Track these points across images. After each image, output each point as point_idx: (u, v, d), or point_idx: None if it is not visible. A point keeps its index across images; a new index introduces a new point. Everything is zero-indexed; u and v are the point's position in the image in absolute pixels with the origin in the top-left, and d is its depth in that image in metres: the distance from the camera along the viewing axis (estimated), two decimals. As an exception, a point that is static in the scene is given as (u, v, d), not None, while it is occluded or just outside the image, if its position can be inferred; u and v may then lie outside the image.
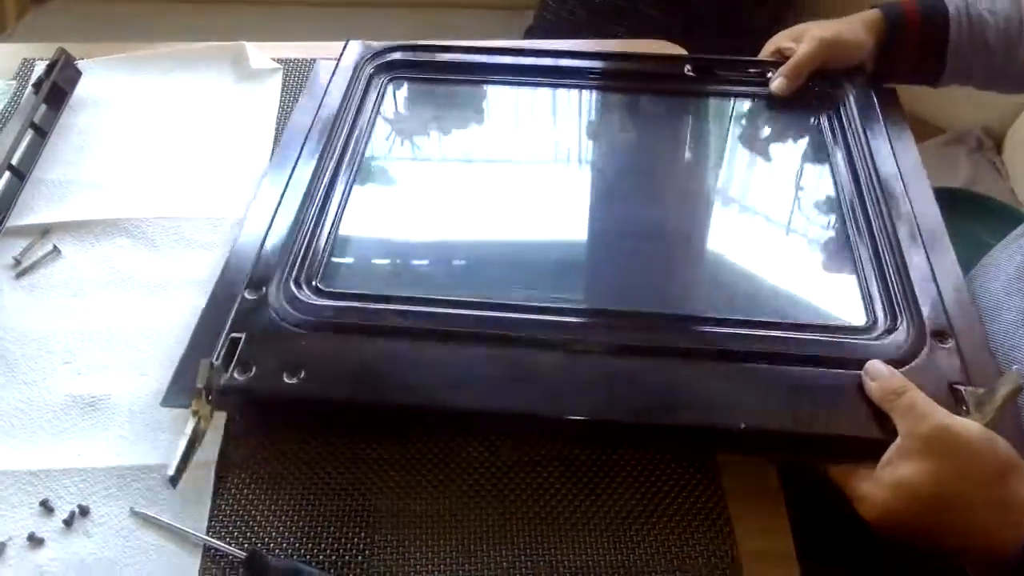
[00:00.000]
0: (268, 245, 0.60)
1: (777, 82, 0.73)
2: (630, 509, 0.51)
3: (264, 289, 0.56)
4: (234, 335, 0.53)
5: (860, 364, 0.51)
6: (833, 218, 0.65)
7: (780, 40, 0.76)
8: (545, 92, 0.77)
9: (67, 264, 0.63)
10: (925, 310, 0.55)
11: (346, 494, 0.51)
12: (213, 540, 0.48)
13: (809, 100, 0.74)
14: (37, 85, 0.74)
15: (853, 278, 0.59)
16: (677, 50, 0.83)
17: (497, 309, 0.55)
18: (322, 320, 0.54)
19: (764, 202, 0.70)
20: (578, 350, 0.53)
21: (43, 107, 0.73)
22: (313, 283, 0.57)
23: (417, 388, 0.51)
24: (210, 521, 0.49)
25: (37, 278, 0.62)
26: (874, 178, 0.65)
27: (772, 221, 0.68)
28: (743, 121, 0.76)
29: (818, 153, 0.71)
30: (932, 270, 0.58)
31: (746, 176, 0.73)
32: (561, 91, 0.77)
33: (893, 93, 0.74)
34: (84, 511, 0.50)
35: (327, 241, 0.61)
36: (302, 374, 0.51)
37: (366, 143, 0.70)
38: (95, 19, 1.37)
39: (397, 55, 0.78)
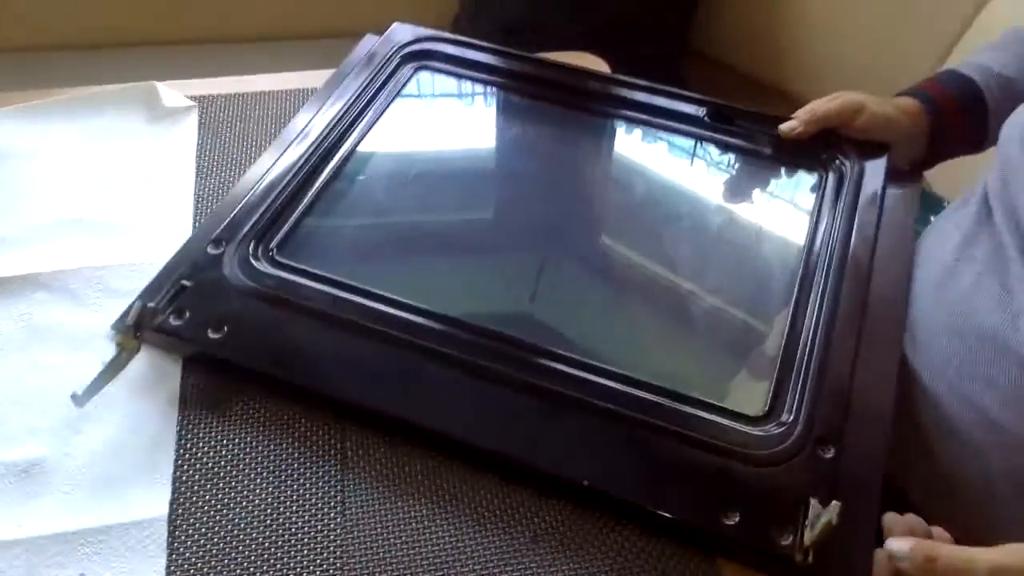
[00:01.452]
0: (246, 203, 0.62)
1: (787, 124, 0.70)
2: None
3: (224, 246, 0.59)
4: (184, 282, 0.57)
5: (731, 452, 0.50)
6: (779, 294, 0.63)
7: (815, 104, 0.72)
8: (559, 111, 0.77)
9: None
10: (821, 412, 0.53)
11: (314, 543, 0.49)
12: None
13: (812, 164, 0.71)
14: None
15: (774, 363, 0.56)
16: (599, 63, 0.85)
17: (422, 315, 0.56)
18: (261, 287, 0.57)
19: (717, 261, 0.68)
20: (469, 370, 0.54)
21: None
22: (270, 250, 0.60)
23: (317, 372, 0.54)
24: (167, 576, 0.47)
25: (-49, 343, 0.58)
26: (843, 262, 0.62)
27: (716, 283, 0.66)
28: (734, 173, 0.74)
29: (797, 221, 0.68)
30: (853, 371, 0.55)
31: (711, 230, 0.71)
32: (572, 112, 0.77)
33: (911, 176, 0.71)
34: (30, 584, 0.46)
35: (299, 212, 0.63)
36: (224, 331, 0.55)
37: (372, 125, 0.71)
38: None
39: (437, 45, 0.79)
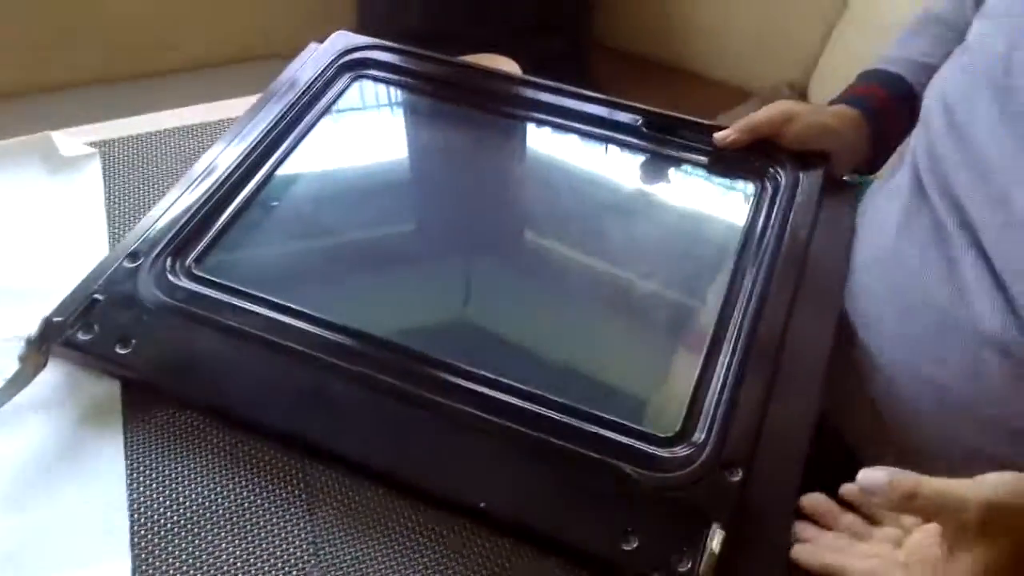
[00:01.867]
0: (167, 216, 0.62)
1: (722, 133, 0.70)
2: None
3: (141, 259, 0.59)
4: (96, 296, 0.57)
5: (635, 475, 0.49)
6: (705, 310, 0.62)
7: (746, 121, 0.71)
8: (497, 121, 0.76)
9: None
10: (734, 433, 0.52)
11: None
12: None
13: (747, 173, 0.70)
14: None
15: (691, 382, 0.55)
16: (510, 64, 0.85)
17: (332, 329, 0.56)
18: (174, 301, 0.57)
19: (644, 267, 0.67)
20: (370, 386, 0.53)
21: None
22: (187, 264, 0.60)
23: (219, 388, 0.54)
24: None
25: None
26: (771, 273, 0.61)
27: (642, 290, 0.65)
28: (669, 182, 0.73)
29: (728, 228, 0.67)
30: (768, 395, 0.54)
31: (640, 236, 0.70)
32: (513, 123, 0.77)
33: (844, 186, 0.71)
34: None
35: (221, 226, 0.63)
36: (131, 346, 0.54)
37: (303, 135, 0.71)
38: None
39: (376, 53, 0.78)
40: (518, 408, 0.52)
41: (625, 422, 0.52)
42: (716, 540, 0.46)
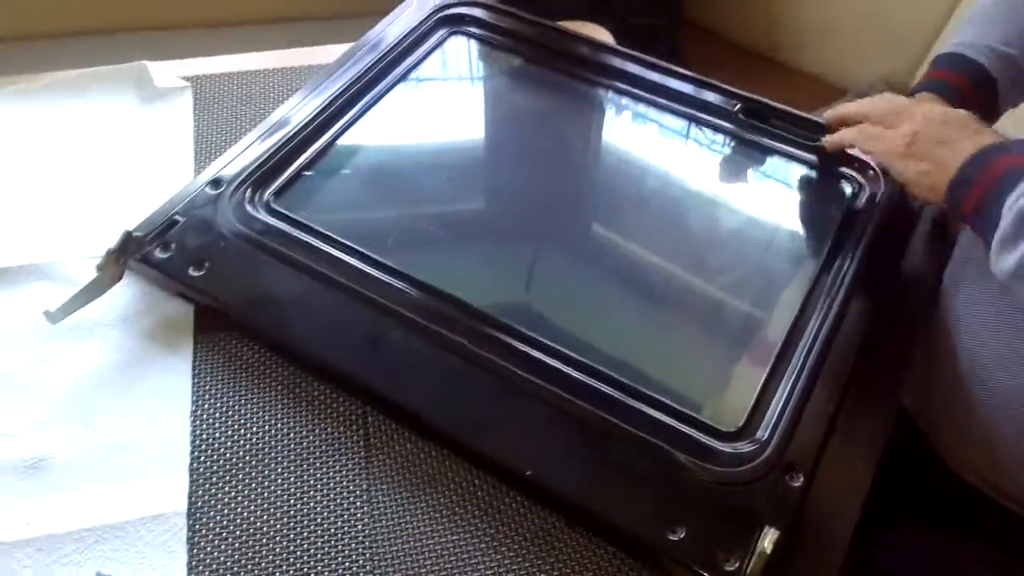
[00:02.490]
0: (252, 151, 0.63)
1: (834, 138, 0.66)
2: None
3: (222, 187, 0.60)
4: (176, 216, 0.59)
5: (690, 465, 0.48)
6: (785, 303, 0.59)
7: (842, 108, 0.69)
8: (587, 89, 0.75)
9: (-18, 318, 0.57)
10: (800, 435, 0.50)
11: (341, 533, 0.48)
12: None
13: (846, 175, 0.67)
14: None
15: (760, 380, 0.53)
16: (602, 32, 0.83)
17: (399, 278, 0.56)
18: (249, 230, 0.58)
19: (727, 262, 0.65)
20: (432, 340, 0.53)
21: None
22: (266, 196, 0.61)
23: (283, 322, 0.54)
24: (190, 572, 0.46)
25: (-51, 336, 0.56)
26: (857, 282, 0.58)
27: (723, 284, 0.63)
28: (761, 174, 0.71)
29: (817, 232, 0.65)
30: (839, 407, 0.52)
31: (722, 230, 0.68)
32: (603, 93, 0.75)
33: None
34: (44, 583, 0.45)
35: (301, 164, 0.64)
36: (204, 270, 0.56)
37: (391, 87, 0.71)
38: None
39: (473, 10, 0.78)
40: (579, 381, 0.52)
41: (686, 410, 0.51)
42: (769, 540, 0.44)
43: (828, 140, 0.66)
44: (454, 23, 0.78)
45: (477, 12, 0.78)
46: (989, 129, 0.56)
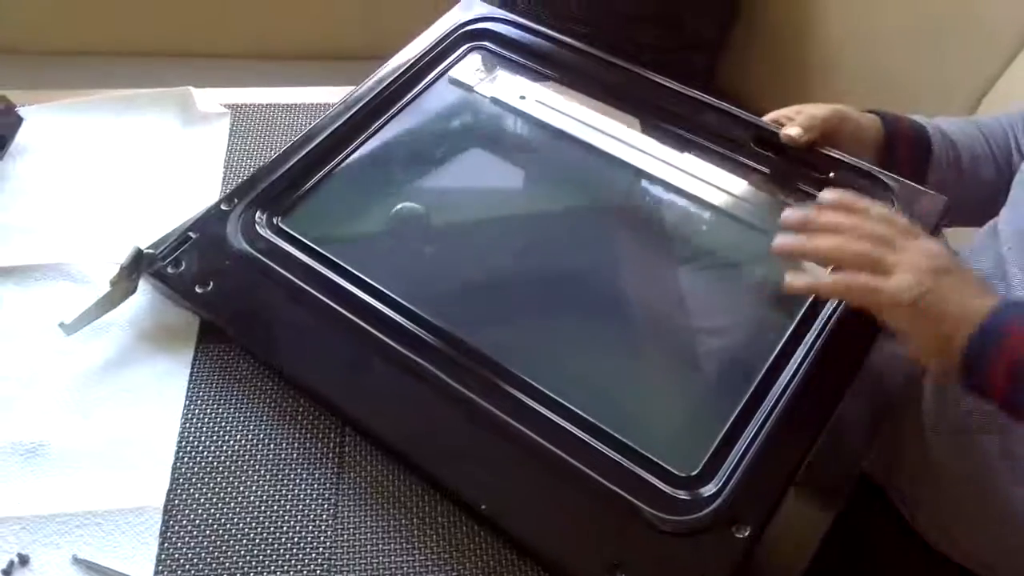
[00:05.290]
0: (268, 170, 0.65)
1: (791, 130, 0.66)
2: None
3: (234, 204, 0.62)
4: (190, 233, 0.61)
5: (638, 510, 0.48)
6: (759, 360, 0.57)
7: (778, 113, 0.70)
8: (606, 112, 0.72)
9: (4, 310, 0.61)
10: (751, 491, 0.49)
11: (305, 544, 0.51)
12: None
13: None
14: (-24, 132, 0.72)
15: (722, 426, 0.53)
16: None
17: (392, 307, 0.57)
18: (252, 251, 0.59)
19: (709, 310, 0.64)
20: (408, 369, 0.54)
21: (-17, 153, 0.72)
22: (275, 216, 0.62)
23: (272, 343, 0.57)
24: (158, 565, 0.48)
25: (-25, 323, 0.60)
26: (834, 338, 0.57)
27: (699, 336, 0.63)
28: (768, 211, 0.67)
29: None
30: (798, 466, 0.51)
31: (717, 272, 0.67)
32: (620, 117, 0.72)
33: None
34: (24, 560, 0.49)
35: (315, 182, 0.65)
36: (208, 289, 0.58)
37: (407, 106, 0.71)
38: (39, 69, 1.36)
39: (498, 26, 0.76)
40: (546, 420, 0.53)
41: (645, 452, 0.51)
42: None
43: (782, 247, 0.56)
44: (478, 37, 0.76)
45: (501, 27, 0.76)
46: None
